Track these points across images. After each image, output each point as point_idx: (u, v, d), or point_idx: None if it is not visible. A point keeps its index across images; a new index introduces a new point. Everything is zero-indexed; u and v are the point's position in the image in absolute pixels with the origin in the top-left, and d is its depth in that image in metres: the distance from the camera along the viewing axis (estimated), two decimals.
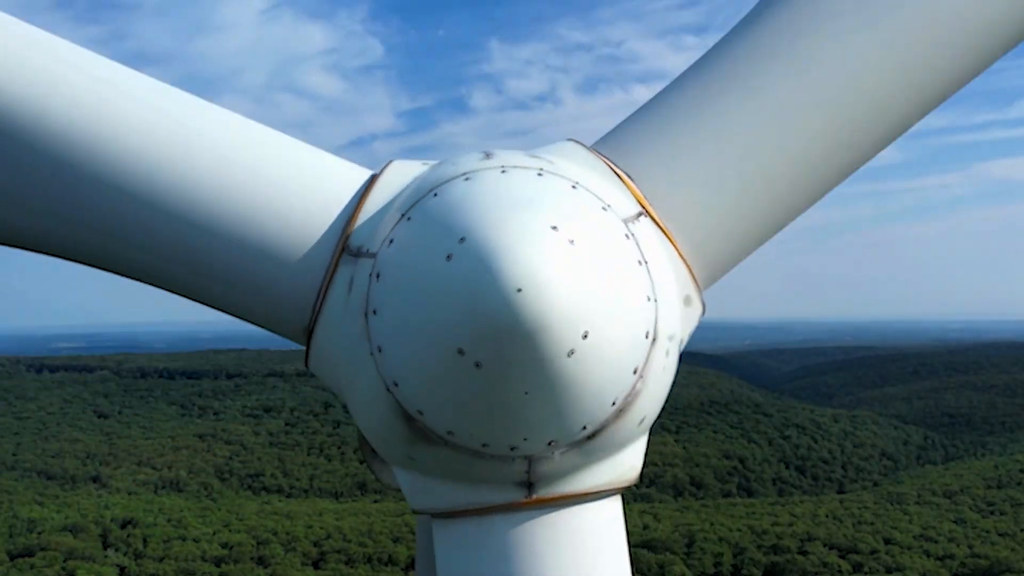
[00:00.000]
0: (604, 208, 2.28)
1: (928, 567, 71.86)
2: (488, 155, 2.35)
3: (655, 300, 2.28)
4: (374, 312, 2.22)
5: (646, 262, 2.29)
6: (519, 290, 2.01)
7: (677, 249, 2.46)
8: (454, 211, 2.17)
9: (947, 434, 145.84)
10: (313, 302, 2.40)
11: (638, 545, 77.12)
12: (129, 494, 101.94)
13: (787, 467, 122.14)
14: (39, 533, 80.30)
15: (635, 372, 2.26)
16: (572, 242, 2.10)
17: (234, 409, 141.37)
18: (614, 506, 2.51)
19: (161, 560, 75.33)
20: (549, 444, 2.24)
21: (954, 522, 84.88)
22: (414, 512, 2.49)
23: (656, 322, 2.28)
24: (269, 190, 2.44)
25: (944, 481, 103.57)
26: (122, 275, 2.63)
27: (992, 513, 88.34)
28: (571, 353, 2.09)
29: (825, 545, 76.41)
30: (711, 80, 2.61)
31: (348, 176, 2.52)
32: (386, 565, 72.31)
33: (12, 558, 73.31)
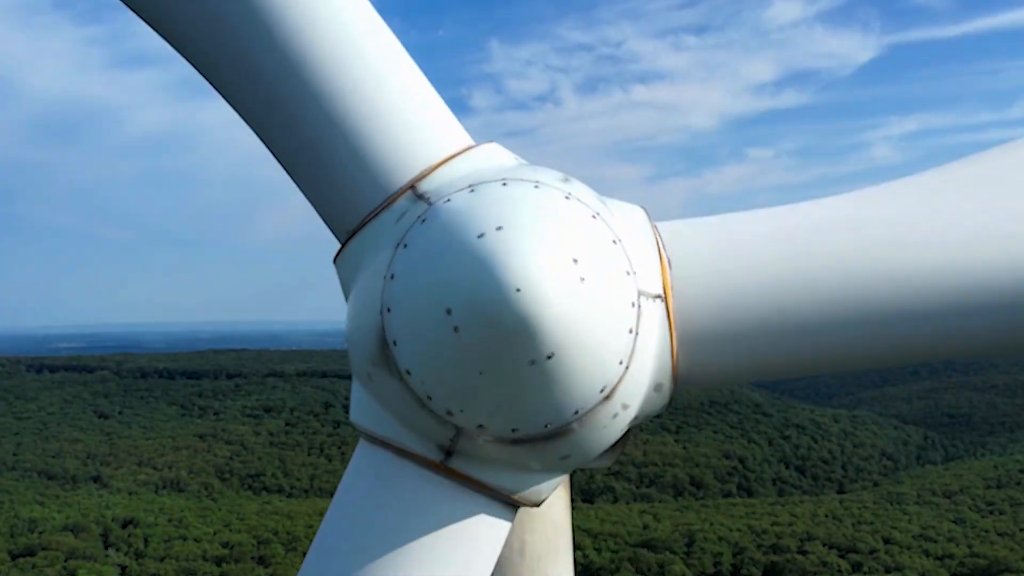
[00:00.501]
0: (628, 272, 2.50)
1: (927, 566, 71.92)
2: (566, 179, 2.61)
3: (627, 367, 2.50)
4: (405, 246, 2.50)
5: (637, 334, 2.50)
6: (518, 290, 2.25)
7: (673, 343, 2.64)
8: (509, 205, 2.44)
9: (947, 434, 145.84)
10: (367, 213, 2.69)
11: (638, 545, 77.18)
12: (130, 494, 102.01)
13: (787, 467, 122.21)
14: (40, 533, 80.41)
15: (575, 413, 2.48)
16: (583, 279, 2.35)
17: (234, 409, 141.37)
18: (501, 527, 2.71)
19: (162, 560, 75.46)
20: (480, 427, 2.48)
21: (953, 522, 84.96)
22: (350, 423, 2.75)
23: (617, 385, 2.51)
24: (395, 114, 2.78)
25: (944, 481, 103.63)
26: (230, 103, 2.94)
27: (991, 513, 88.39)
28: (532, 363, 2.32)
29: (825, 545, 76.46)
30: (791, 224, 2.82)
31: (453, 136, 2.83)
32: None
33: (13, 558, 73.40)
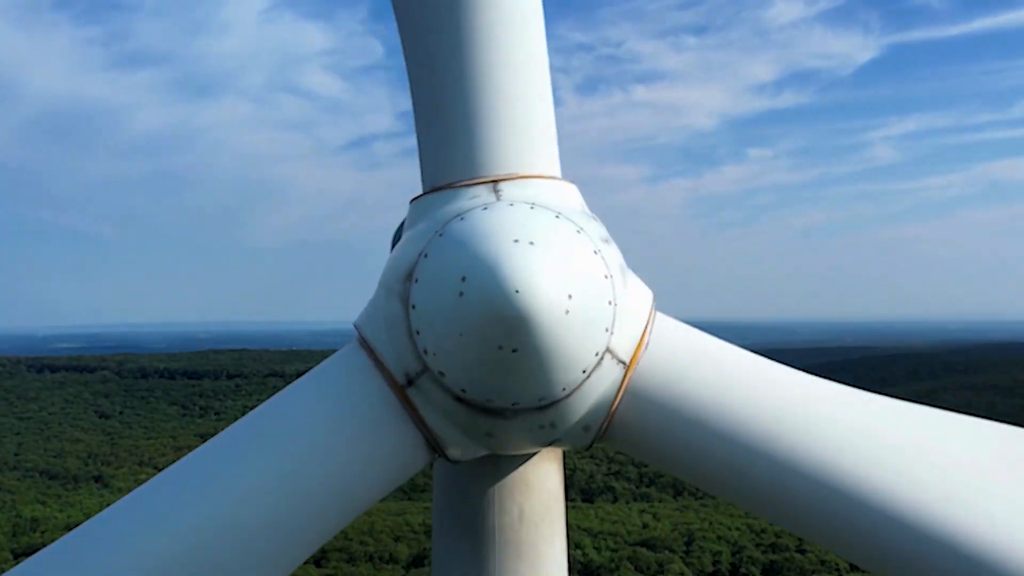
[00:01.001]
0: (607, 329, 2.98)
1: None
2: (606, 240, 3.11)
3: (568, 395, 3.01)
4: (462, 219, 3.01)
5: (588, 377, 3.01)
6: (517, 291, 2.76)
7: (615, 404, 3.12)
8: (548, 232, 2.94)
9: None
10: (455, 180, 3.22)
11: (638, 544, 77.32)
12: None
13: None
14: (42, 532, 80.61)
15: (513, 404, 2.99)
16: (567, 312, 2.83)
17: (235, 409, 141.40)
18: (413, 462, 3.19)
19: None
20: (441, 373, 2.97)
21: None
22: (352, 325, 3.23)
23: (553, 404, 3.01)
24: (515, 123, 3.30)
25: None
26: (405, 54, 3.41)
27: None
28: (500, 348, 2.81)
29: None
30: (768, 378, 3.26)
31: (547, 163, 3.36)
32: (387, 563, 72.57)
33: (15, 557, 73.58)
